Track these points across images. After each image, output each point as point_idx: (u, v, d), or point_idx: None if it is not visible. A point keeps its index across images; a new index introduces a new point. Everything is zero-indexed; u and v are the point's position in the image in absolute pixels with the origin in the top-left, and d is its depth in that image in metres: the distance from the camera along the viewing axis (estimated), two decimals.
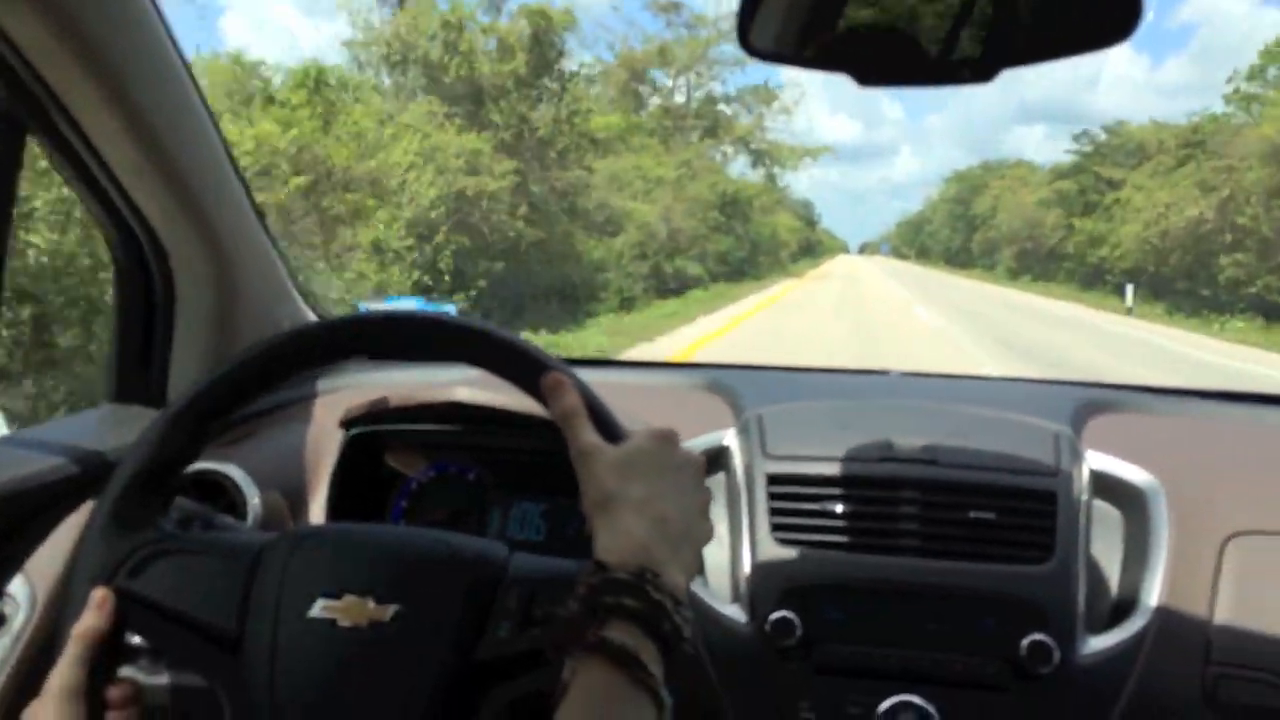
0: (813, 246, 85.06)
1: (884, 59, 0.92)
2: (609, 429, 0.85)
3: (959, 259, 70.20)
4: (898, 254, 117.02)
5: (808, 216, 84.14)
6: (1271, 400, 1.64)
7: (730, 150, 42.03)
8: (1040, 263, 44.61)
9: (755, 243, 36.12)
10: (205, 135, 1.35)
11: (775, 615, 1.18)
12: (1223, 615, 1.16)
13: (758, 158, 43.98)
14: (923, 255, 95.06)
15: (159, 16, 1.23)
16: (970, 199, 65.98)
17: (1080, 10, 0.85)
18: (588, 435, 0.83)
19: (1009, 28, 0.86)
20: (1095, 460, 1.30)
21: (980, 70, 0.88)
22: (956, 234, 72.81)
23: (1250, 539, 1.21)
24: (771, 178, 44.22)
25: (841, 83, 0.92)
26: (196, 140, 1.34)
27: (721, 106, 41.79)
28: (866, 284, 38.95)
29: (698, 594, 1.22)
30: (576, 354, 9.57)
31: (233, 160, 1.44)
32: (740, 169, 41.42)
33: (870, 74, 0.93)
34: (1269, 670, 1.13)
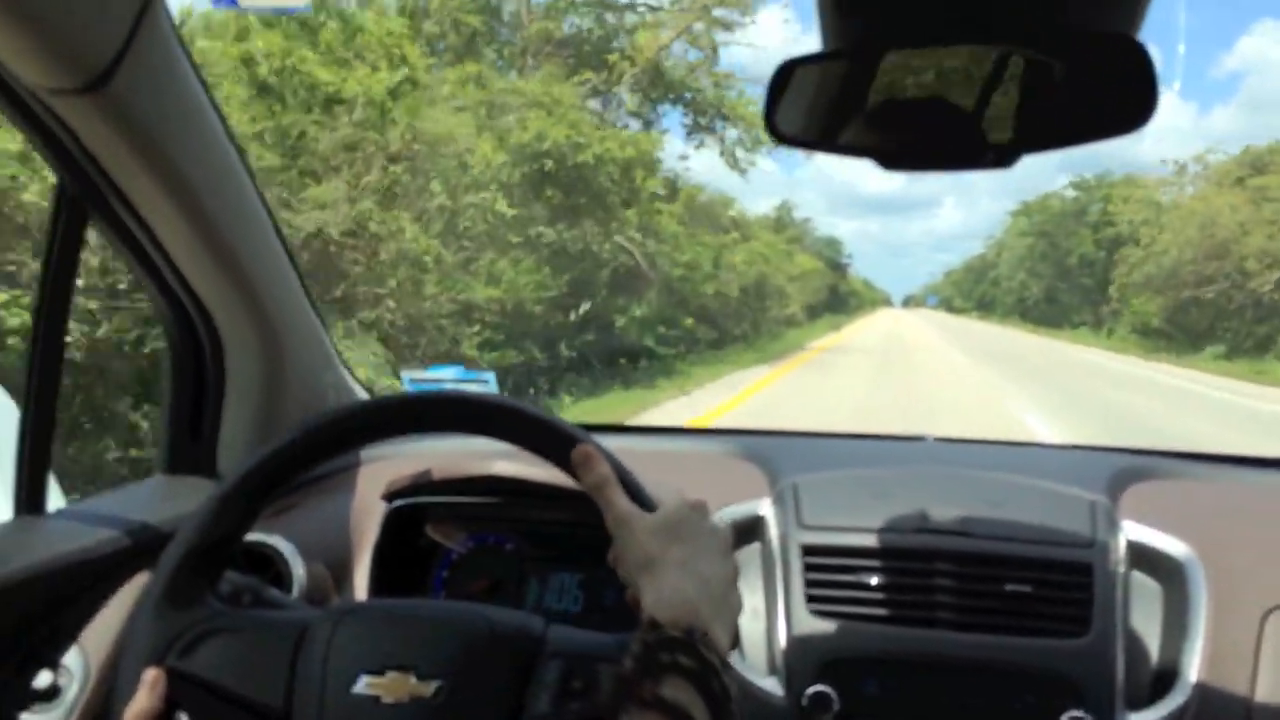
0: (841, 299, 72.06)
1: (908, 145, 0.95)
2: (639, 498, 0.87)
3: (1039, 313, 48.09)
4: (949, 307, 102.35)
5: (833, 258, 66.58)
6: None
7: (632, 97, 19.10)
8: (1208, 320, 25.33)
9: (691, 296, 17.98)
10: (255, 214, 1.41)
11: (812, 690, 1.18)
12: (1264, 692, 1.14)
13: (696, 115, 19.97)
14: (984, 309, 75.83)
15: (211, 104, 1.29)
16: (1063, 229, 43.42)
17: (1097, 100, 0.87)
18: (622, 502, 0.85)
19: (1029, 116, 0.88)
20: (1132, 531, 1.29)
21: (1001, 155, 0.91)
22: (1036, 279, 49.32)
23: None
24: (734, 162, 20.02)
25: None
26: (247, 219, 1.39)
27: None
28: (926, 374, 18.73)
29: (734, 666, 1.23)
30: None
31: (282, 237, 1.49)
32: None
33: (895, 159, 0.95)
34: None
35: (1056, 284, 44.58)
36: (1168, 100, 0.84)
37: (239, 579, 1.19)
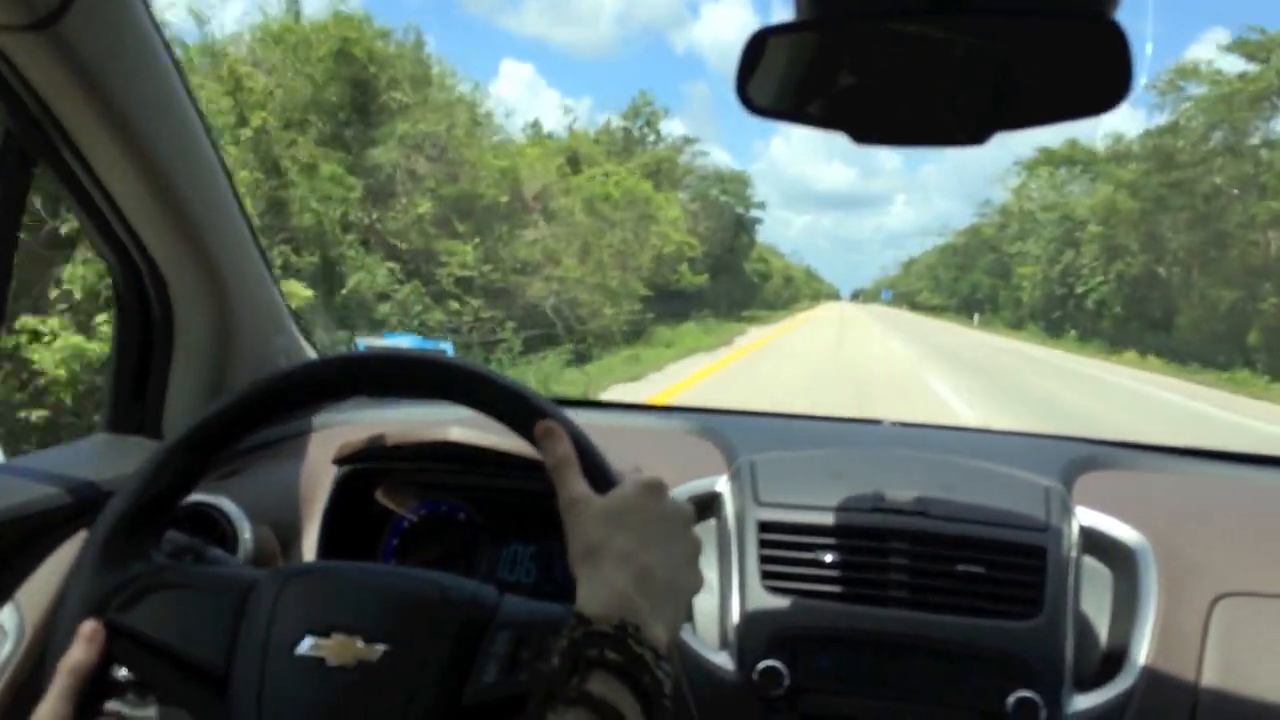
0: (772, 291, 55.58)
1: (881, 119, 0.94)
2: (600, 476, 0.86)
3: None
4: (911, 304, 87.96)
5: (744, 230, 42.30)
6: (1263, 461, 1.64)
7: None
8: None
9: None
10: (208, 167, 1.37)
11: (763, 664, 1.18)
12: (1210, 677, 1.16)
13: None
14: (971, 308, 57.70)
15: (165, 50, 1.25)
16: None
17: (1072, 79, 0.87)
18: (576, 485, 0.83)
19: (1004, 94, 0.88)
20: (1085, 517, 1.30)
21: (974, 133, 0.90)
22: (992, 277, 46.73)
23: (1238, 600, 1.21)
24: None
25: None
26: (200, 172, 1.35)
27: None
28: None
29: (686, 641, 1.22)
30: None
31: (235, 191, 1.45)
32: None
33: (867, 132, 0.94)
34: None
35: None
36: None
37: (182, 539, 1.17)
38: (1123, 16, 0.82)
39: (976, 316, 54.30)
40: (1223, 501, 1.49)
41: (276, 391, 0.91)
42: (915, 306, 77.76)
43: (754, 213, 42.97)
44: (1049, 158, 39.27)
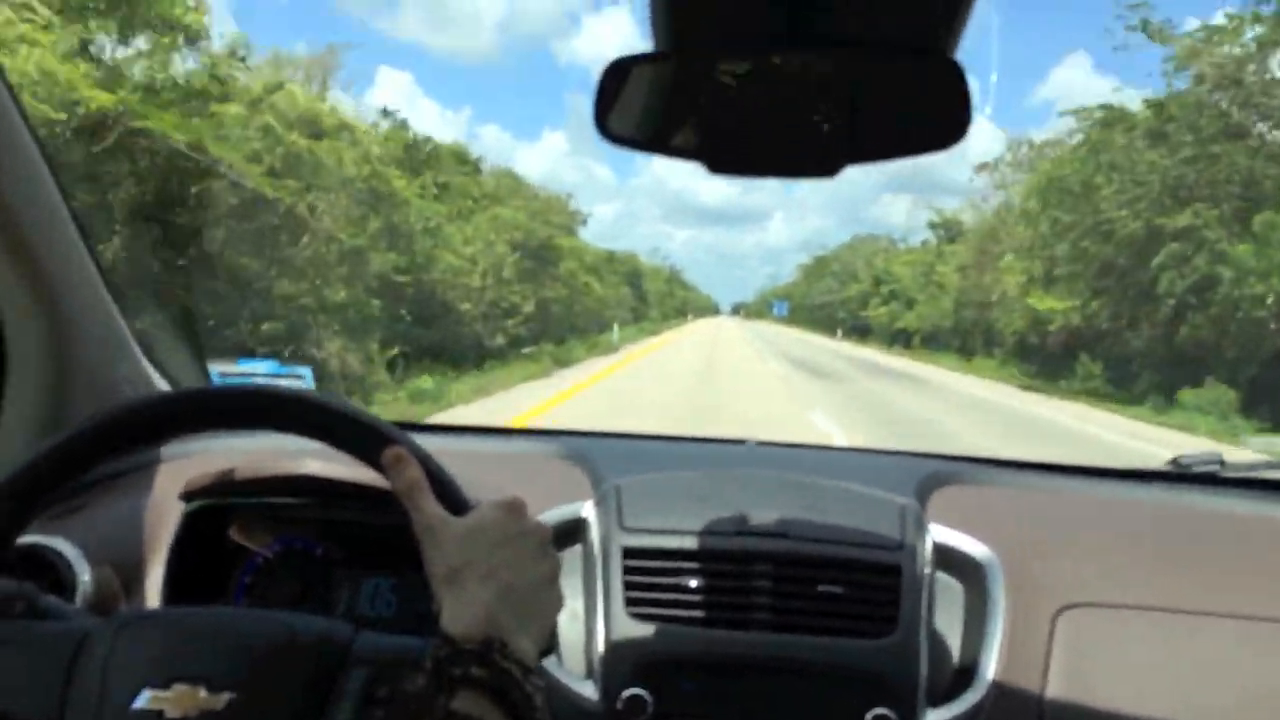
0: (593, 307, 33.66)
1: (735, 149, 0.95)
2: (453, 500, 0.85)
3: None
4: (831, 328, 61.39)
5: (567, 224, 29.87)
6: (1107, 474, 1.73)
7: None
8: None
9: None
10: (43, 190, 1.29)
11: (628, 693, 1.17)
12: (1054, 688, 1.21)
13: None
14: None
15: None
16: None
17: (916, 114, 0.90)
18: (430, 508, 0.82)
19: (854, 128, 0.90)
20: (938, 533, 1.34)
21: (825, 165, 0.92)
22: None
23: (1081, 611, 1.27)
24: None
25: None
26: (34, 195, 1.28)
27: None
28: None
29: (549, 671, 1.21)
30: None
31: (71, 209, 1.37)
32: None
33: (723, 163, 0.96)
34: None
35: None
36: (984, 127, 0.87)
37: (10, 586, 1.09)
38: (970, 45, 0.86)
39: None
40: (1068, 514, 1.55)
41: (107, 430, 0.87)
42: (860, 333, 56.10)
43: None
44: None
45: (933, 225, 44.76)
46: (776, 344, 43.71)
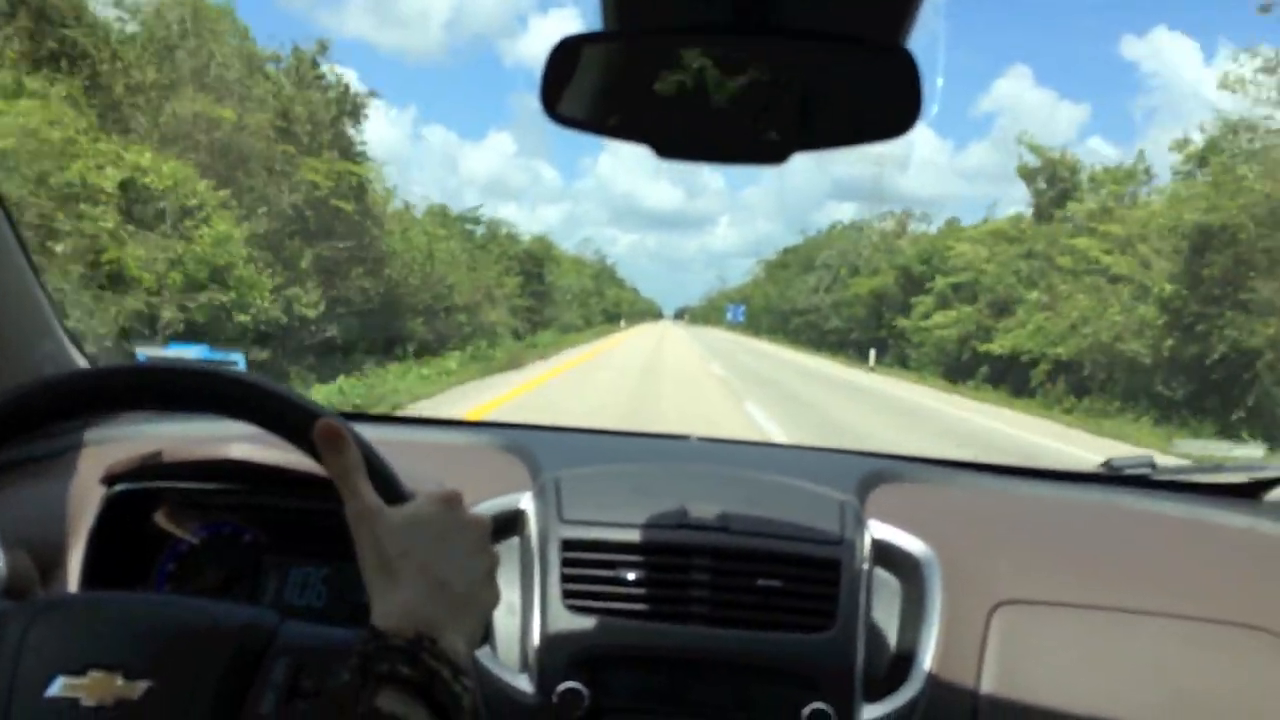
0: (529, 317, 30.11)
1: (684, 135, 0.94)
2: (390, 489, 0.82)
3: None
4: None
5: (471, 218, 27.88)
6: (1043, 475, 1.75)
7: None
8: None
9: None
10: None
11: (563, 686, 1.16)
12: (989, 683, 1.22)
13: None
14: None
15: None
16: None
17: (867, 104, 0.89)
18: (366, 494, 0.79)
19: (804, 116, 0.89)
20: (877, 530, 1.34)
21: (775, 152, 0.91)
22: None
23: (1015, 608, 1.28)
24: None
25: None
26: None
27: None
28: None
29: (484, 664, 1.19)
30: None
31: None
32: None
33: (670, 148, 0.94)
34: None
35: None
36: (928, 136, 0.87)
37: None
38: (916, 49, 0.85)
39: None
40: (1004, 513, 1.57)
41: (20, 408, 0.82)
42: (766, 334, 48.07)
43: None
44: None
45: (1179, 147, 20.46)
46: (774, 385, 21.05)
